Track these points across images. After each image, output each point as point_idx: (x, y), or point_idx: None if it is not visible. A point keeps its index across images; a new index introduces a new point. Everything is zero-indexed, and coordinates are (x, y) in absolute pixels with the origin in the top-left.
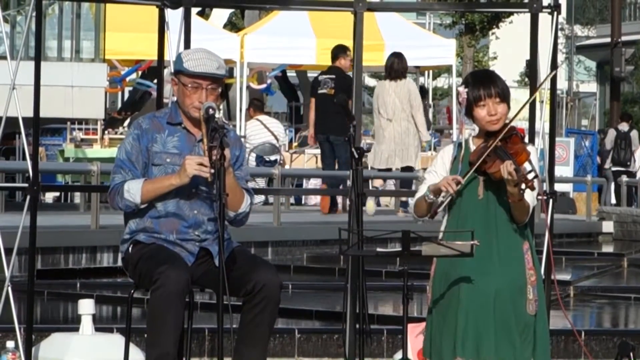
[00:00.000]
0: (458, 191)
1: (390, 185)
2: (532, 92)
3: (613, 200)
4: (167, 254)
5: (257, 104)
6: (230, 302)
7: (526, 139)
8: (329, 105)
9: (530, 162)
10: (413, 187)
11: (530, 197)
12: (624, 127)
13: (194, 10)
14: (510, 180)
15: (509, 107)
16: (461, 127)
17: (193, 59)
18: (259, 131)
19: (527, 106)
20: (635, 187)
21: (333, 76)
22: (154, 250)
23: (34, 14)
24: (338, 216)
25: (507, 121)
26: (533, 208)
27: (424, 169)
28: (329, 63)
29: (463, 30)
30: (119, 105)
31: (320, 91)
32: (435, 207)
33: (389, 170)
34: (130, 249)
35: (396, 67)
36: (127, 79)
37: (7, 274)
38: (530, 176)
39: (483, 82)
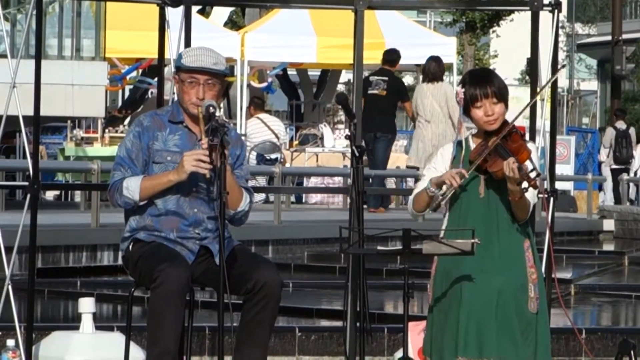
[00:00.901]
0: (461, 185)
1: (391, 183)
2: (532, 93)
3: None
4: (167, 252)
5: (257, 103)
6: (231, 300)
7: (526, 137)
8: (378, 105)
9: (531, 160)
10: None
11: (530, 195)
12: (621, 125)
13: (195, 9)
14: (512, 178)
15: (506, 106)
16: (460, 126)
17: (191, 55)
18: (260, 129)
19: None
20: (637, 185)
21: (386, 78)
22: (154, 248)
23: (34, 12)
24: (338, 214)
25: (508, 120)
26: (534, 206)
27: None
28: (330, 61)
29: (464, 28)
30: (120, 103)
31: (370, 91)
32: (438, 201)
33: None
34: (130, 247)
35: (433, 70)
36: (128, 77)
37: (8, 272)
38: (532, 175)
39: (479, 82)
